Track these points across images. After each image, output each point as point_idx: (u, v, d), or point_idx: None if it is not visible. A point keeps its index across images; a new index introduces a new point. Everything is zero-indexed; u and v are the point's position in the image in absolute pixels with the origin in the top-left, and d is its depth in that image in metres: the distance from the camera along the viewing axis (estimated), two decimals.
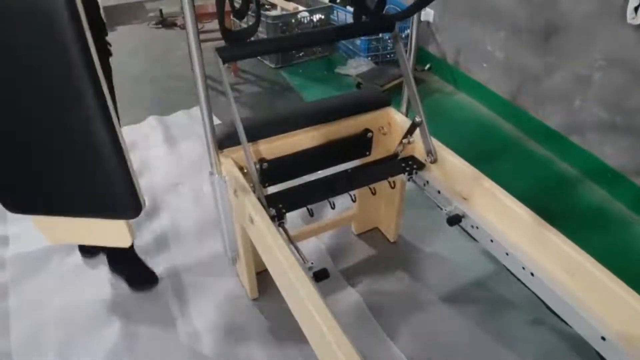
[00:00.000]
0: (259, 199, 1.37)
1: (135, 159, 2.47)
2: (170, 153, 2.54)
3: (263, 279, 1.78)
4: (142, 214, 2.16)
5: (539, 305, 1.71)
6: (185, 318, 1.73)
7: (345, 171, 1.64)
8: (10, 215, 2.15)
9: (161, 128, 2.73)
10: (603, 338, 1.10)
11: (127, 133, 2.71)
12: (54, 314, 1.75)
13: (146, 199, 2.23)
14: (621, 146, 2.22)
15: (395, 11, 1.53)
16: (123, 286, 1.84)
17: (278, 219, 1.40)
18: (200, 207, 2.17)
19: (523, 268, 1.27)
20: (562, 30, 2.36)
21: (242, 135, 1.36)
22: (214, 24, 3.53)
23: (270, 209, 1.38)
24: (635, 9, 1.96)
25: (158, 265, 1.92)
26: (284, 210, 1.41)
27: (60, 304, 1.79)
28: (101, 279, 1.88)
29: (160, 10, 4.34)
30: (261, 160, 1.50)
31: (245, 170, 1.50)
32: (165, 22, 4.32)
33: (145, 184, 2.33)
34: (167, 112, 2.88)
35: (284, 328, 1.68)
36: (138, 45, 3.86)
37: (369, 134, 1.70)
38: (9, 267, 1.94)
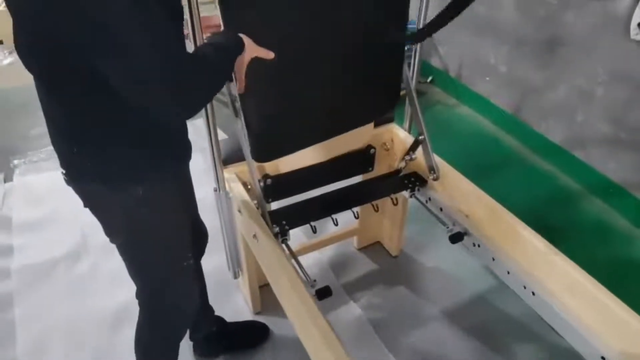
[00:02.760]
0: (262, 215, 1.38)
1: None
2: None
3: (265, 293, 1.79)
4: None
5: (540, 322, 1.71)
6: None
7: (348, 187, 1.65)
8: (15, 225, 2.19)
9: None
10: (603, 358, 1.11)
11: None
12: (60, 324, 1.77)
13: None
14: (624, 161, 2.23)
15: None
16: (128, 297, 1.84)
17: (281, 235, 1.41)
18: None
19: (524, 287, 1.28)
20: (565, 44, 2.37)
21: (247, 152, 1.37)
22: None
23: (274, 226, 1.39)
24: (639, 25, 1.98)
25: None
26: (287, 227, 1.42)
27: (65, 314, 1.81)
28: (104, 288, 1.90)
29: None
30: (265, 177, 1.51)
31: (249, 186, 1.51)
32: None
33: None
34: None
35: (287, 343, 1.69)
36: None
37: (372, 150, 1.71)
38: (15, 278, 1.96)
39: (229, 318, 1.79)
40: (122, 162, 1.03)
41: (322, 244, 1.98)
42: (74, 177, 1.08)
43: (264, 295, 1.79)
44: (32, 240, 2.11)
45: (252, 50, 1.06)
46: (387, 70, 1.49)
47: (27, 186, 2.44)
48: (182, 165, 1.19)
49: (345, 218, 1.59)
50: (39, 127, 2.90)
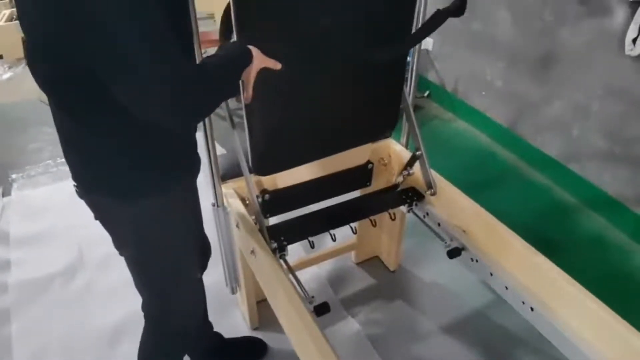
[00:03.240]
0: (260, 231, 1.38)
1: None
2: None
3: (263, 308, 1.78)
4: None
5: (539, 337, 1.70)
6: None
7: (346, 202, 1.66)
8: (12, 240, 2.18)
9: None
10: None
11: None
12: (57, 340, 1.76)
13: None
14: (620, 175, 2.24)
15: None
16: (125, 312, 1.84)
17: (279, 251, 1.41)
18: None
19: (523, 302, 1.28)
20: (561, 60, 2.40)
21: (245, 168, 1.38)
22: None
23: (272, 241, 1.39)
24: (633, 41, 2.00)
25: None
26: (285, 243, 1.42)
27: (63, 329, 1.80)
28: (102, 304, 1.89)
29: None
30: (263, 192, 1.52)
31: (248, 202, 1.52)
32: None
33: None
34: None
35: (285, 356, 1.68)
36: None
37: (370, 165, 1.72)
38: (12, 292, 1.95)
39: (226, 334, 1.78)
40: (132, 176, 1.04)
41: (320, 259, 1.97)
42: (85, 190, 1.08)
43: (262, 311, 1.79)
44: (30, 255, 2.10)
45: (260, 60, 1.07)
46: (387, 93, 1.52)
47: (25, 201, 2.44)
48: (191, 180, 1.20)
49: (344, 233, 1.59)
50: (37, 141, 2.91)
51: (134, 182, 1.05)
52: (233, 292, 1.75)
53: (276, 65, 1.11)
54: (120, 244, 1.19)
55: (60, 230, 2.22)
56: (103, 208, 1.12)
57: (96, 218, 1.15)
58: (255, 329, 1.80)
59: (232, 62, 1.01)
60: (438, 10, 1.25)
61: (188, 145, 1.14)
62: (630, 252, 2.15)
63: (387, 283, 1.98)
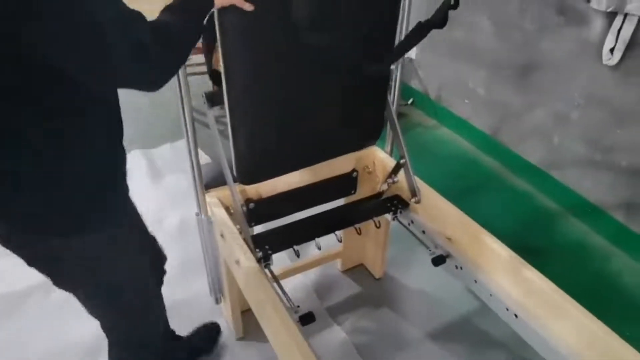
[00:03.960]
0: (245, 240, 1.37)
1: None
2: (155, 188, 2.53)
3: (248, 318, 1.77)
4: None
5: (523, 343, 1.72)
6: None
7: (331, 211, 1.66)
8: None
9: (145, 162, 2.71)
10: None
11: None
12: (36, 353, 1.73)
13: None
14: (600, 181, 2.28)
15: None
16: None
17: (264, 260, 1.40)
18: (184, 244, 2.16)
19: (507, 309, 1.29)
20: (542, 69, 2.44)
21: (229, 176, 1.38)
22: (200, 57, 3.56)
23: (257, 250, 1.38)
24: (611, 50, 2.05)
25: None
26: (270, 252, 1.41)
27: (41, 342, 1.77)
28: (82, 318, 1.85)
29: None
30: (248, 201, 1.51)
31: (232, 211, 1.50)
32: None
33: None
34: (152, 145, 2.86)
35: None
36: None
37: (355, 174, 1.73)
38: None
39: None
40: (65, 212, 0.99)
41: (306, 267, 1.96)
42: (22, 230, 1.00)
43: (247, 321, 1.77)
44: (5, 269, 2.05)
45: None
46: (371, 102, 1.53)
47: None
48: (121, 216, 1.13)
49: (329, 241, 1.59)
50: None
51: (68, 218, 0.99)
52: (217, 301, 1.73)
53: (243, 5, 1.09)
54: (65, 282, 1.14)
55: None
56: (41, 249, 1.04)
57: (30, 264, 1.08)
58: (239, 338, 1.78)
59: (187, 13, 1.00)
60: (420, 22, 1.26)
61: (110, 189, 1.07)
62: (611, 256, 2.19)
63: (372, 291, 1.98)
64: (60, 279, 1.13)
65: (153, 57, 0.88)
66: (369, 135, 1.64)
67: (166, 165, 2.68)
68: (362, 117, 1.55)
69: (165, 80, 0.95)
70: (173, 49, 0.95)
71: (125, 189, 1.13)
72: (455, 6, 1.20)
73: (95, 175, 1.01)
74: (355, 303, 1.93)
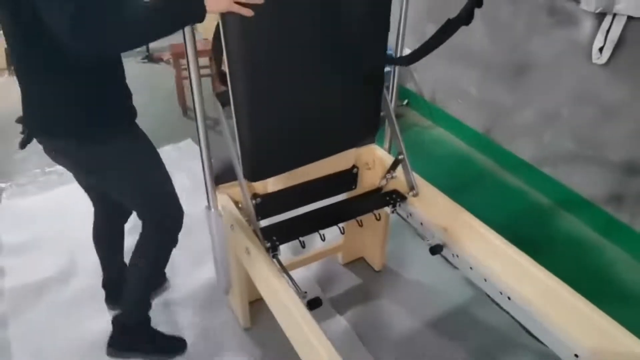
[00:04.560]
0: (254, 231, 1.46)
1: None
2: None
3: (254, 309, 1.85)
4: (133, 247, 2.23)
5: (517, 328, 1.82)
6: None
7: (334, 205, 1.75)
8: (4, 248, 2.21)
9: None
10: (576, 355, 1.21)
11: None
12: (54, 343, 1.80)
13: (139, 232, 2.30)
14: (590, 176, 2.37)
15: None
16: None
17: (272, 250, 1.48)
18: (191, 241, 2.23)
19: (500, 293, 1.38)
20: (533, 68, 2.53)
21: (240, 173, 1.46)
22: (205, 60, 3.62)
23: (265, 241, 1.46)
24: (600, 50, 2.14)
25: (152, 298, 1.98)
26: (277, 243, 1.50)
27: (59, 333, 1.84)
28: (98, 308, 1.93)
29: (147, 46, 4.45)
30: (255, 196, 1.59)
31: (240, 205, 1.59)
32: (152, 57, 4.43)
33: (135, 220, 2.39)
34: (158, 146, 2.94)
35: (277, 356, 1.74)
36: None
37: (355, 170, 1.81)
38: (7, 298, 1.98)
39: (218, 333, 1.85)
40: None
41: (308, 261, 2.05)
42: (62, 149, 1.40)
43: (253, 312, 1.85)
44: (23, 262, 2.14)
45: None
46: (367, 102, 1.63)
47: (14, 209, 2.46)
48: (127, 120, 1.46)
49: (330, 236, 1.68)
50: (22, 151, 2.92)
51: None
52: (226, 292, 1.81)
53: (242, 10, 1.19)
54: (101, 179, 1.49)
55: (52, 237, 2.26)
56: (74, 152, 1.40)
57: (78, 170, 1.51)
58: (247, 328, 1.86)
59: (170, 13, 1.16)
60: (448, 19, 1.33)
61: (114, 96, 1.41)
62: (601, 247, 2.28)
63: (372, 282, 2.07)
64: (99, 176, 1.47)
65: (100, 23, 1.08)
66: (367, 133, 1.73)
67: (169, 165, 2.74)
68: (360, 116, 1.64)
69: (96, 45, 1.12)
70: (128, 27, 1.13)
71: (131, 115, 1.47)
72: (480, 4, 1.27)
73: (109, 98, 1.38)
74: (356, 294, 2.01)
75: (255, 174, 1.52)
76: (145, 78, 4.02)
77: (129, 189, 1.51)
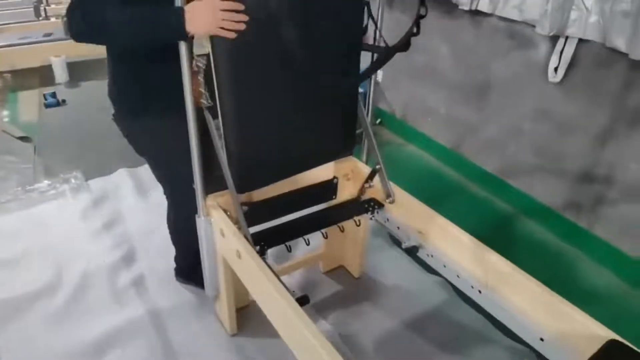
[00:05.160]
0: (245, 237, 1.55)
1: (108, 210, 2.60)
2: (144, 203, 2.67)
3: (240, 316, 1.93)
4: (120, 260, 2.29)
5: (488, 325, 1.95)
6: (168, 357, 1.84)
7: (316, 213, 1.86)
8: None
9: (132, 179, 2.85)
10: (542, 339, 1.33)
11: (98, 185, 2.83)
12: (44, 354, 1.83)
13: (124, 246, 2.36)
14: (550, 185, 2.56)
15: None
16: (108, 328, 1.93)
17: (261, 254, 1.57)
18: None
19: (472, 287, 1.50)
20: (495, 87, 2.73)
21: (230, 182, 1.56)
22: None
23: (255, 246, 1.56)
24: (555, 69, 2.34)
25: (138, 307, 2.03)
26: (266, 247, 1.60)
27: (47, 345, 1.86)
28: (86, 319, 1.97)
29: None
30: (242, 204, 1.69)
31: (229, 213, 1.68)
32: None
33: (121, 233, 2.45)
34: (137, 164, 2.99)
35: None
36: (103, 100, 3.75)
37: (335, 180, 1.93)
38: None
39: (204, 340, 1.91)
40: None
41: (291, 269, 2.15)
42: (117, 116, 1.72)
43: (240, 318, 1.93)
44: (9, 276, 2.16)
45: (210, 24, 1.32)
46: (343, 119, 1.79)
47: None
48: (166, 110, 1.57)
49: (311, 245, 1.78)
50: (2, 169, 2.96)
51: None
52: (214, 299, 1.89)
53: (225, 34, 1.34)
54: (142, 151, 1.76)
55: (36, 252, 2.29)
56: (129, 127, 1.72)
57: (125, 135, 1.75)
58: (233, 334, 1.93)
59: (150, 21, 1.34)
60: (387, 46, 1.50)
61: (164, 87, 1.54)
62: (563, 251, 2.45)
63: (353, 288, 2.17)
64: (137, 147, 1.75)
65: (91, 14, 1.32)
66: (345, 147, 1.88)
67: (152, 182, 2.80)
68: (337, 131, 1.80)
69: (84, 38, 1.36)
70: (109, 26, 1.33)
71: (169, 101, 1.53)
72: (416, 33, 1.44)
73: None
74: (338, 299, 2.11)
75: (242, 186, 1.63)
76: None
77: (153, 162, 1.81)
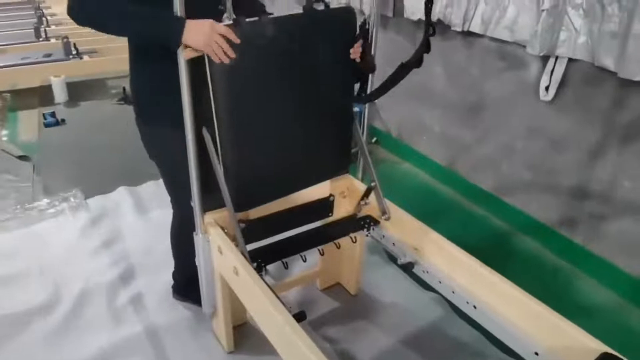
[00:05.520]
0: (242, 253, 1.57)
1: (107, 228, 2.61)
2: (143, 221, 2.69)
3: (237, 333, 1.94)
4: (118, 278, 2.29)
5: (484, 341, 1.96)
6: None
7: (313, 230, 1.88)
8: None
9: (132, 197, 2.87)
10: (536, 353, 1.35)
11: (98, 203, 2.85)
12: None
13: (123, 264, 2.37)
14: (544, 202, 2.58)
15: None
16: (105, 345, 1.94)
17: (258, 271, 1.59)
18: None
19: (467, 302, 1.52)
20: (488, 107, 2.78)
21: (228, 200, 1.59)
22: None
23: (253, 263, 1.58)
24: (546, 88, 2.39)
25: (136, 325, 2.04)
26: (263, 264, 1.62)
27: None
28: (83, 337, 1.98)
29: (124, 88, 4.56)
30: (239, 222, 1.71)
31: (226, 230, 1.70)
32: (128, 98, 4.54)
33: (119, 251, 2.47)
34: (136, 183, 3.03)
35: None
36: (102, 120, 3.98)
37: (331, 198, 1.96)
38: None
39: (201, 357, 1.92)
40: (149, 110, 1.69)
41: (288, 286, 2.16)
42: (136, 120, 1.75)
43: (237, 336, 1.93)
44: (7, 293, 2.17)
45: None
46: (339, 139, 1.84)
47: None
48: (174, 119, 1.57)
49: (308, 263, 1.80)
50: (1, 188, 2.98)
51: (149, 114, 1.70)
52: (210, 317, 1.90)
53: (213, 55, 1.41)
54: (151, 156, 1.82)
55: (35, 270, 2.30)
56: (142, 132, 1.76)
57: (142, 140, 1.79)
58: (230, 352, 1.93)
59: (154, 19, 1.40)
60: (401, 63, 1.54)
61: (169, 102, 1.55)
62: (559, 267, 2.47)
63: (349, 305, 2.18)
64: (147, 150, 1.80)
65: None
66: (340, 166, 1.92)
67: (151, 200, 2.85)
68: (333, 151, 1.84)
69: (79, 16, 1.41)
70: (112, 17, 1.41)
71: (178, 109, 1.53)
72: (428, 50, 1.48)
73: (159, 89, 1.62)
74: (335, 316, 2.12)
75: (239, 205, 1.66)
76: (123, 118, 4.10)
77: (161, 167, 1.84)
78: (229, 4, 1.48)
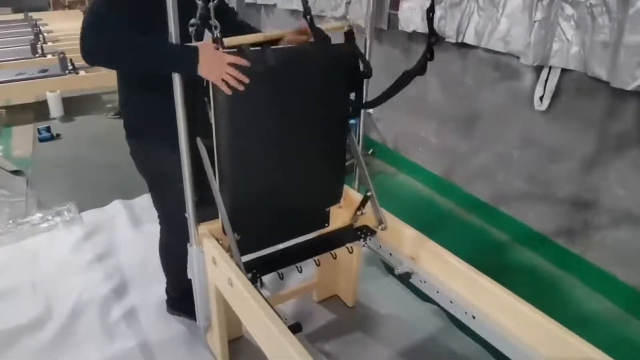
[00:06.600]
0: (237, 264, 1.55)
1: (100, 242, 2.59)
2: (137, 234, 2.67)
3: (232, 347, 1.91)
4: (111, 292, 2.26)
5: (483, 353, 1.93)
6: None
7: (309, 240, 1.86)
8: None
9: (126, 211, 2.85)
10: None
11: (91, 217, 2.83)
12: None
13: (116, 278, 2.34)
14: (541, 212, 2.58)
15: None
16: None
17: (252, 282, 1.57)
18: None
19: (465, 312, 1.50)
20: (483, 117, 2.78)
21: (223, 211, 1.57)
22: None
23: (248, 274, 1.55)
24: (541, 98, 2.40)
25: (129, 340, 2.00)
26: (258, 275, 1.60)
27: None
28: (74, 353, 1.94)
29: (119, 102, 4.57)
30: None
31: (220, 242, 1.68)
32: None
33: (113, 265, 2.44)
34: (130, 196, 3.01)
35: None
36: (97, 134, 3.96)
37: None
38: None
39: None
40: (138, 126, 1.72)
41: (284, 298, 2.13)
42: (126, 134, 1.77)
43: (231, 350, 1.90)
44: None
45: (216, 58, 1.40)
46: (332, 172, 1.87)
47: None
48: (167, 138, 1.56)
49: (305, 275, 1.78)
50: None
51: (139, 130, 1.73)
52: (205, 331, 1.87)
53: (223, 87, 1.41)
54: (141, 173, 1.84)
55: (26, 285, 2.26)
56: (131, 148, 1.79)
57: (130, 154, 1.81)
58: None
59: (166, 52, 1.40)
60: (405, 71, 1.54)
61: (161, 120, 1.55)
62: (557, 277, 2.45)
63: (346, 317, 2.15)
64: (136, 164, 1.82)
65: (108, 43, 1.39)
66: (332, 199, 1.93)
67: (145, 214, 2.82)
68: (325, 184, 1.87)
69: (97, 57, 1.43)
70: (124, 50, 1.41)
71: (168, 130, 1.53)
72: (431, 58, 1.48)
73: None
74: (332, 329, 2.09)
75: (236, 224, 1.64)
76: (118, 133, 4.09)
77: (149, 183, 1.86)
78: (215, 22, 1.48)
